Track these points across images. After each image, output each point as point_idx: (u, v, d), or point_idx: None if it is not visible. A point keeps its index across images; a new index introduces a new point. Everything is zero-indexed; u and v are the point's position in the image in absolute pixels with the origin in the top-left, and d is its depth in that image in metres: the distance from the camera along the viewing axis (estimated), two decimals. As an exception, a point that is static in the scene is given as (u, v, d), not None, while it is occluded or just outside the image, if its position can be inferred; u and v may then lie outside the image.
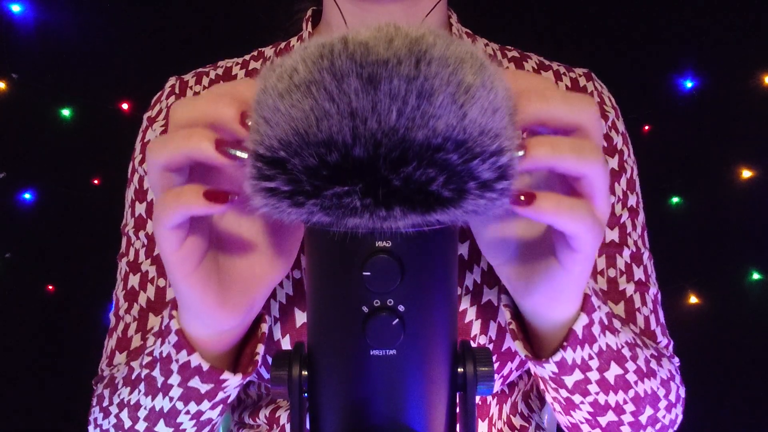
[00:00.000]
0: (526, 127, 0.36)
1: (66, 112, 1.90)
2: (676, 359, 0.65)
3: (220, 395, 0.48)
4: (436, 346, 0.35)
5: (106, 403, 0.55)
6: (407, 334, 0.33)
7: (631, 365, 0.51)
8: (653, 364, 0.54)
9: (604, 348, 0.48)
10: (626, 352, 0.51)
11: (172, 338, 0.46)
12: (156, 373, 0.48)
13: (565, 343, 0.46)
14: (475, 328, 0.59)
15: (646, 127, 1.94)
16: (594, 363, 0.48)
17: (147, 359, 0.50)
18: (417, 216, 0.30)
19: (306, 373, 0.36)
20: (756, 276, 1.97)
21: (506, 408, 0.67)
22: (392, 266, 0.32)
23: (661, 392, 0.55)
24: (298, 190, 0.30)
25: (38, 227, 1.94)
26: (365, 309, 0.33)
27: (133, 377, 0.52)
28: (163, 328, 0.48)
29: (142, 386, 0.50)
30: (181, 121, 0.37)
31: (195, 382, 0.47)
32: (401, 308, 0.33)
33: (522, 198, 0.35)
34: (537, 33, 1.87)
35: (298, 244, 0.45)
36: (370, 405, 0.34)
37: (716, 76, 1.90)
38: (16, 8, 1.82)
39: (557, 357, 0.47)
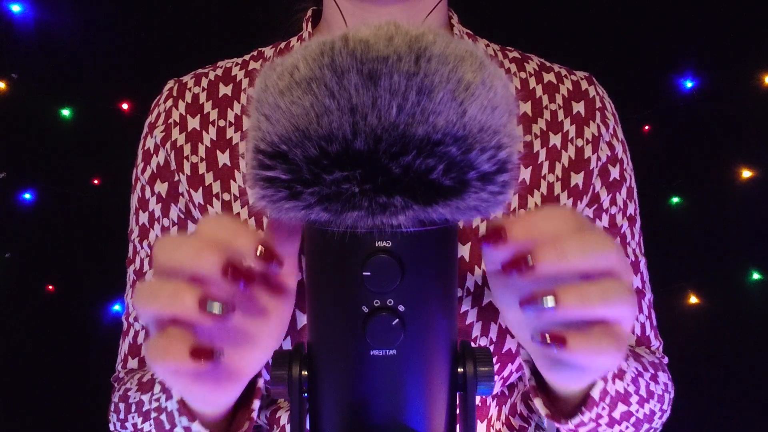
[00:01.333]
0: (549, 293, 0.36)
1: (66, 112, 1.90)
2: (666, 358, 0.68)
3: None
4: (436, 346, 0.35)
5: (122, 416, 0.59)
6: (407, 334, 0.33)
7: (634, 398, 0.54)
8: (652, 386, 0.57)
9: (614, 394, 0.51)
10: (631, 388, 0.54)
11: (174, 404, 0.48)
12: (163, 418, 0.51)
13: (583, 408, 0.48)
14: (476, 330, 0.59)
15: (646, 127, 1.94)
16: (605, 411, 0.51)
17: (155, 404, 0.52)
18: (419, 208, 0.30)
19: (306, 373, 0.36)
20: (756, 276, 1.97)
21: (505, 409, 0.67)
22: (392, 266, 0.32)
23: (657, 407, 0.58)
24: (297, 179, 0.30)
25: (38, 227, 1.94)
26: (365, 309, 0.33)
27: (144, 410, 0.55)
28: (167, 386, 0.50)
29: (152, 422, 0.53)
30: (165, 266, 0.37)
31: None
32: (401, 308, 0.33)
33: (548, 339, 0.35)
34: (537, 32, 1.86)
35: (290, 311, 0.45)
36: (370, 405, 0.34)
37: (716, 76, 1.89)
38: (16, 8, 1.82)
39: (576, 420, 0.49)
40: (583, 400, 0.49)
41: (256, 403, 0.49)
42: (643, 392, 0.55)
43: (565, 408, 0.51)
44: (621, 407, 0.52)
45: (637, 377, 0.55)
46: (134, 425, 0.57)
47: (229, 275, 0.35)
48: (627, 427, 0.55)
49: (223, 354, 0.37)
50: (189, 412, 0.47)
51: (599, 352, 0.36)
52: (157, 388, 0.53)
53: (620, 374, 0.52)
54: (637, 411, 0.55)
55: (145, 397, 0.55)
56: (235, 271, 0.35)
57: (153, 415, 0.53)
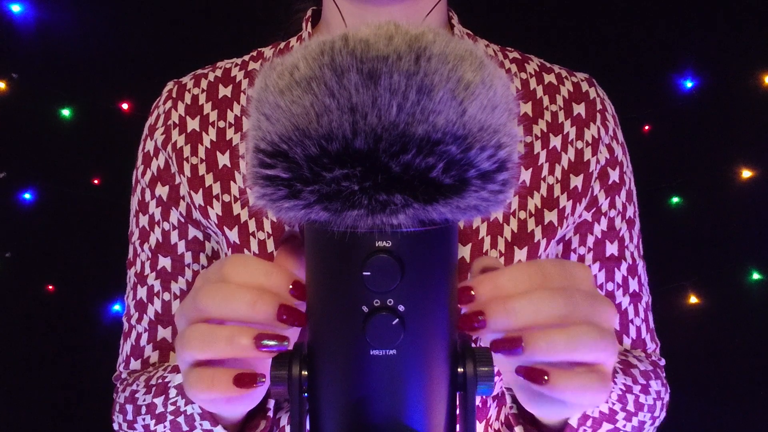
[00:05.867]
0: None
1: (66, 112, 1.90)
2: (662, 360, 0.68)
3: None
4: (436, 346, 0.35)
5: (130, 417, 0.60)
6: (407, 334, 0.33)
7: (620, 414, 0.55)
8: (642, 399, 0.57)
9: (597, 416, 0.52)
10: (617, 406, 0.54)
11: (196, 408, 0.50)
12: (181, 420, 0.53)
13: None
14: (478, 332, 0.60)
15: (646, 127, 1.94)
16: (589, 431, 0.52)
17: (171, 407, 0.54)
18: (419, 207, 0.30)
19: (306, 373, 0.36)
20: (756, 276, 1.97)
21: (505, 409, 0.67)
22: (392, 266, 0.32)
23: (647, 416, 0.59)
24: (297, 177, 0.30)
25: (38, 227, 1.94)
26: (365, 309, 0.33)
27: (157, 412, 0.56)
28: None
29: (168, 424, 0.55)
30: (216, 315, 0.37)
31: None
32: (401, 308, 0.33)
33: (534, 374, 0.36)
34: (537, 31, 1.86)
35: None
36: (370, 405, 0.34)
37: (716, 76, 1.90)
38: (16, 8, 1.82)
39: None
40: (565, 424, 0.49)
41: (271, 402, 0.51)
42: (631, 407, 0.56)
43: (546, 428, 0.51)
44: (606, 426, 0.53)
45: (625, 394, 0.55)
46: (145, 427, 0.58)
47: (285, 321, 0.36)
48: None
49: (264, 378, 0.38)
50: (211, 416, 0.48)
51: (582, 390, 0.36)
52: (173, 392, 0.54)
53: None
54: (624, 426, 0.56)
55: (158, 401, 0.56)
56: (290, 317, 0.36)
57: (169, 417, 0.54)
